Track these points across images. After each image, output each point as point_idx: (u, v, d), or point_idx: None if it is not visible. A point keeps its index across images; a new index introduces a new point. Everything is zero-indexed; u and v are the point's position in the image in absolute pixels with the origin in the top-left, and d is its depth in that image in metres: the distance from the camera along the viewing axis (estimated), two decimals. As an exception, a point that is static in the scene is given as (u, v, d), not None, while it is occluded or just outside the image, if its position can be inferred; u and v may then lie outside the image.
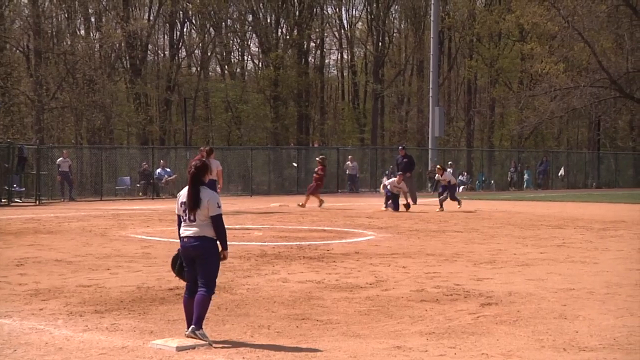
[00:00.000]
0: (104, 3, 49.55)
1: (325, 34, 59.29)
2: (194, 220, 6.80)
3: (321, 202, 25.30)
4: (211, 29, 53.71)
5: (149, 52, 52.15)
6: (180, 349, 6.54)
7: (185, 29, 54.83)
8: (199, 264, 6.81)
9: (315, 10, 56.66)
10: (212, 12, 51.99)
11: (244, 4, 53.64)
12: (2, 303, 8.60)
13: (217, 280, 7.00)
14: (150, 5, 52.24)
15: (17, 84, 42.59)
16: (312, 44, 58.25)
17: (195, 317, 6.74)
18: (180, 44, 53.94)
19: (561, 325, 7.55)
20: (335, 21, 59.96)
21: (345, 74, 64.54)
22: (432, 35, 41.84)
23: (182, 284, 7.14)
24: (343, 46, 60.97)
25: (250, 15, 55.06)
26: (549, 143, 60.22)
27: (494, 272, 10.95)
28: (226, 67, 57.86)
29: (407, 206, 23.58)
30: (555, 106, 48.09)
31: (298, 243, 14.54)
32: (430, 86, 42.04)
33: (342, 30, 60.04)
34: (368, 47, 60.26)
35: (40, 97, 42.88)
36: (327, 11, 59.08)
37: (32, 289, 9.47)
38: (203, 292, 6.75)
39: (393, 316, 7.98)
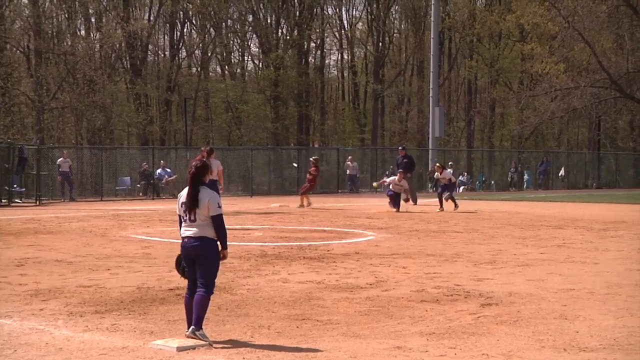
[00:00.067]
0: (104, 3, 49.53)
1: (326, 34, 59.25)
2: (195, 221, 6.80)
3: (309, 204, 25.35)
4: (211, 29, 53.65)
5: (149, 53, 52.10)
6: (180, 349, 6.54)
7: (185, 29, 54.89)
8: (199, 264, 6.81)
9: (315, 10, 56.61)
10: (212, 13, 51.93)
11: (244, 4, 53.60)
12: (3, 303, 8.59)
13: (217, 281, 7.01)
14: (150, 6, 52.21)
15: (17, 84, 42.60)
16: (313, 44, 58.28)
17: (194, 317, 6.74)
18: (181, 44, 53.90)
19: (561, 325, 7.55)
20: (336, 21, 60.03)
21: (345, 74, 64.51)
22: (432, 36, 41.87)
23: (183, 284, 7.14)
24: (343, 46, 60.98)
25: (251, 16, 55.04)
26: (549, 143, 60.18)
27: (494, 273, 10.95)
28: (226, 67, 57.82)
29: (407, 200, 24.71)
30: (555, 106, 48.10)
31: (298, 243, 14.54)
32: (431, 86, 42.08)
33: (343, 31, 60.05)
34: (368, 47, 60.23)
35: (41, 97, 42.88)
36: (327, 11, 59.15)
37: (33, 289, 9.47)
38: (202, 293, 6.75)
39: (393, 316, 7.98)
